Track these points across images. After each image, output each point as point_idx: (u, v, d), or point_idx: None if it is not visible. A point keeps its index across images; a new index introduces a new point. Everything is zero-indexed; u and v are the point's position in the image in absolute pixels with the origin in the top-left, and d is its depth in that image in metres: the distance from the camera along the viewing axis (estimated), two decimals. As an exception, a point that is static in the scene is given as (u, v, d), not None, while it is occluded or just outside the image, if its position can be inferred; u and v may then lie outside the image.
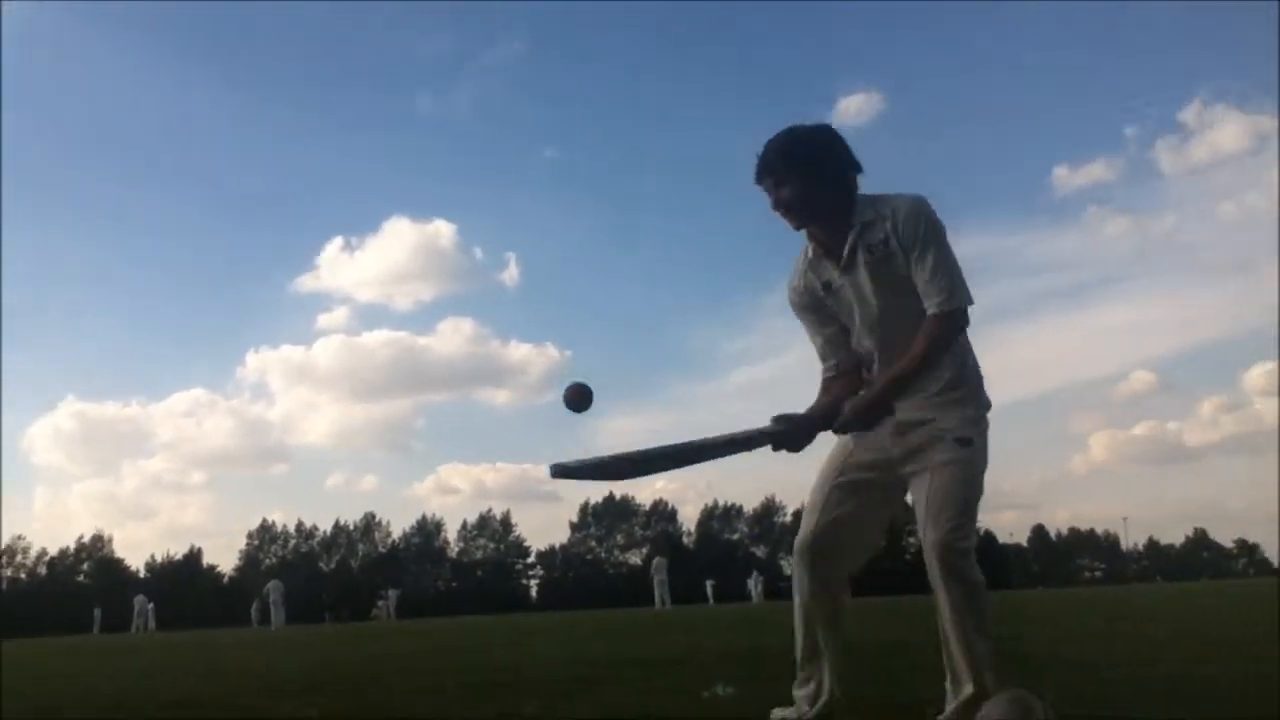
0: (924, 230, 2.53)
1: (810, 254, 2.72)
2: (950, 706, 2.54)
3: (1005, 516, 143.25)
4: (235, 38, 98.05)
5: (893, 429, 2.60)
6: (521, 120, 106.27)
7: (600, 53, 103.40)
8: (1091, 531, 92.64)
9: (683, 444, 2.66)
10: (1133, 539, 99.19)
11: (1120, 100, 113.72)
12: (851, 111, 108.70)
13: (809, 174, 2.60)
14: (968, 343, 2.64)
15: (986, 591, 2.54)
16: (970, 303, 2.54)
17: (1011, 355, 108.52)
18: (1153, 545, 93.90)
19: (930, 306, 2.52)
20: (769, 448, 2.61)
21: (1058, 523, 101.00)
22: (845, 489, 2.73)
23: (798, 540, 2.82)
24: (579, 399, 2.72)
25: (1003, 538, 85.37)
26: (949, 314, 2.52)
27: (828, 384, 2.74)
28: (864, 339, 2.68)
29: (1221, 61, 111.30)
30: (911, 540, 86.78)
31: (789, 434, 2.59)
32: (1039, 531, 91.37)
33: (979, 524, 2.64)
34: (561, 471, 2.65)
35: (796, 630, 2.84)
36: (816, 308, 2.73)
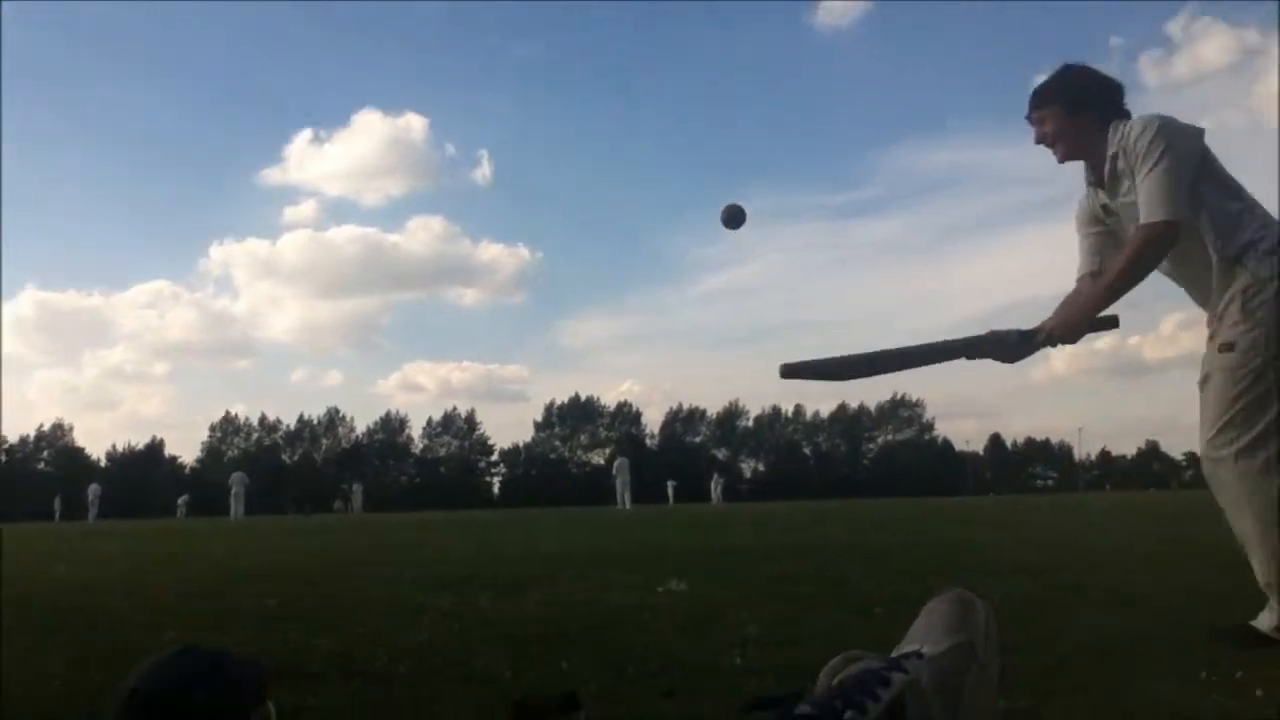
0: (1143, 147, 2.55)
1: (1088, 179, 2.80)
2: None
3: (965, 424, 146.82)
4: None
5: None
6: (492, 16, 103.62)
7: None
8: (1047, 441, 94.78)
9: (908, 348, 2.75)
10: (1086, 449, 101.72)
11: (1108, 7, 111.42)
12: (836, 13, 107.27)
13: (1063, 110, 2.71)
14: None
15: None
16: (1177, 218, 2.51)
17: (986, 266, 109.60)
18: (1105, 456, 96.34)
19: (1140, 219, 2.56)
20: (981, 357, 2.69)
21: (1014, 432, 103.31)
22: None
23: None
24: (733, 218, 3.00)
25: (959, 445, 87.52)
26: (1148, 226, 2.54)
27: (1072, 293, 2.81)
28: None
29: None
30: (870, 446, 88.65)
31: (1003, 346, 2.66)
32: (995, 440, 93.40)
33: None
34: (789, 372, 2.73)
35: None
36: (1087, 223, 2.84)
